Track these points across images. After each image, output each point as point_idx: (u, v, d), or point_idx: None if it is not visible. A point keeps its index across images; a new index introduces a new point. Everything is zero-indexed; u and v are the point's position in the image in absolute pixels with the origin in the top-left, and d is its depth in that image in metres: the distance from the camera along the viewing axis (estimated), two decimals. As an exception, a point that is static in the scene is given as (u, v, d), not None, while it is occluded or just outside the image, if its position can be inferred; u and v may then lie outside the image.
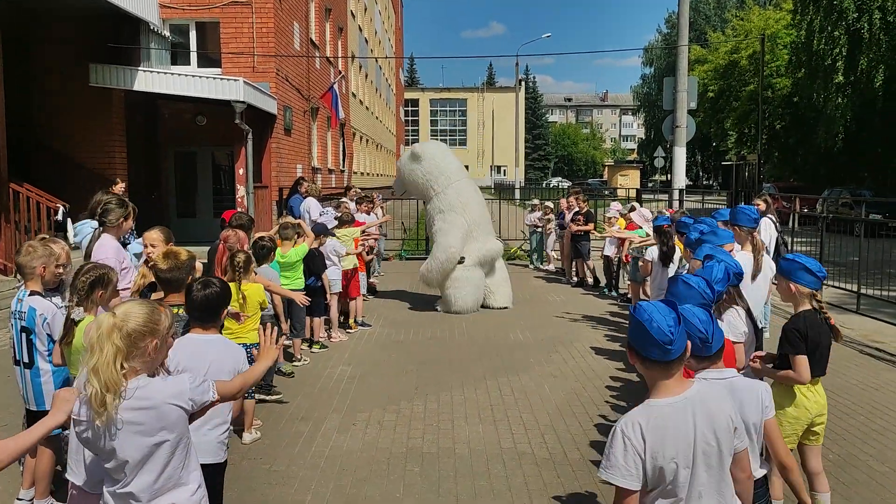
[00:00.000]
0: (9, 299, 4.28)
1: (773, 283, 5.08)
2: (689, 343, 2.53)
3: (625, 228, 11.51)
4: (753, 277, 5.67)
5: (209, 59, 17.49)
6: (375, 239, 12.05)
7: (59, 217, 11.69)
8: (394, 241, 18.60)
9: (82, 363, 2.55)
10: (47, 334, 4.31)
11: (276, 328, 3.33)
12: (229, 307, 3.53)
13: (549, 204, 16.44)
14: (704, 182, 72.39)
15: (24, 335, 4.32)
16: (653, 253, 7.77)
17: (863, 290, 10.68)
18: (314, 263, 8.46)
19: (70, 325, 3.92)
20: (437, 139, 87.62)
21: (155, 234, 5.36)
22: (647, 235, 9.88)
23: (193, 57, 17.45)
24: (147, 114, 17.14)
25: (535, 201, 17.33)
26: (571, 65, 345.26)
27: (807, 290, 4.03)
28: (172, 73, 14.79)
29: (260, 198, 16.53)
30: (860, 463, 5.39)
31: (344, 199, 12.81)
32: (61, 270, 4.57)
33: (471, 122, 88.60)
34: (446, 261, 10.77)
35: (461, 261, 10.85)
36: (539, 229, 16.08)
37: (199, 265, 4.56)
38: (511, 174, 63.59)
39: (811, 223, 16.84)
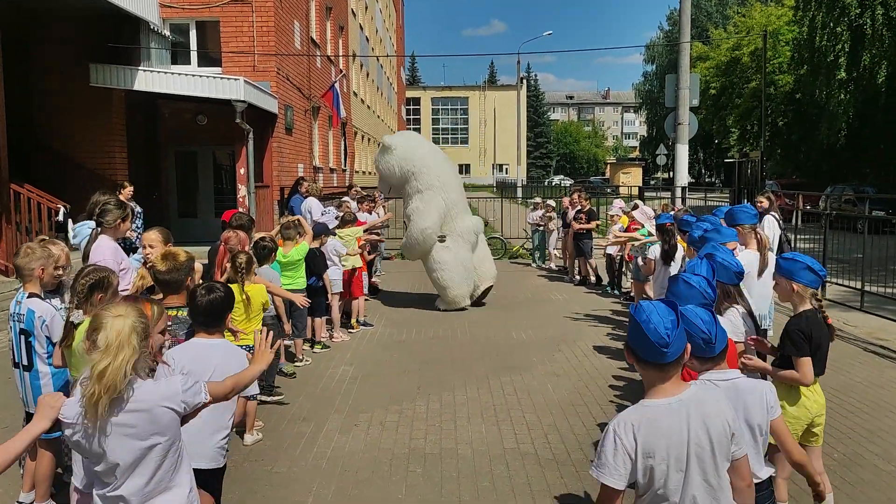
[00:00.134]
0: (9, 300, 4.26)
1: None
2: (688, 345, 2.50)
3: (627, 226, 11.47)
4: (760, 273, 5.63)
5: (209, 58, 17.46)
6: (379, 238, 12.02)
7: (60, 218, 11.67)
8: (396, 240, 18.55)
9: (88, 363, 2.51)
10: (46, 337, 4.28)
11: (271, 332, 3.30)
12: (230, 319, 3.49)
13: (551, 202, 16.40)
14: (707, 179, 72.34)
15: (22, 338, 4.29)
16: (655, 251, 7.74)
17: (866, 288, 10.62)
18: (315, 263, 8.43)
19: (70, 327, 3.89)
20: (438, 137, 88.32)
21: (153, 235, 5.32)
22: (650, 234, 9.85)
23: (194, 56, 17.43)
24: (147, 113, 17.11)
25: (538, 200, 17.30)
26: (573, 62, 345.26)
27: (809, 290, 3.98)
28: (173, 73, 14.76)
29: (261, 197, 16.51)
30: (865, 462, 5.34)
31: (345, 199, 12.78)
32: (60, 272, 4.54)
33: (472, 120, 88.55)
34: (423, 242, 10.84)
35: (442, 239, 10.86)
36: (541, 228, 16.05)
37: (198, 266, 4.53)
38: (513, 172, 63.57)
39: (814, 220, 16.79)
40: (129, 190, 12.38)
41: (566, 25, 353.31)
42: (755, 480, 2.81)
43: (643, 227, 10.58)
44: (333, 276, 9.02)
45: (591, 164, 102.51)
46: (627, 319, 9.96)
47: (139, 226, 11.34)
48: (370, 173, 38.50)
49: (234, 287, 5.21)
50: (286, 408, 6.59)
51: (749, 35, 39.31)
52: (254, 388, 3.61)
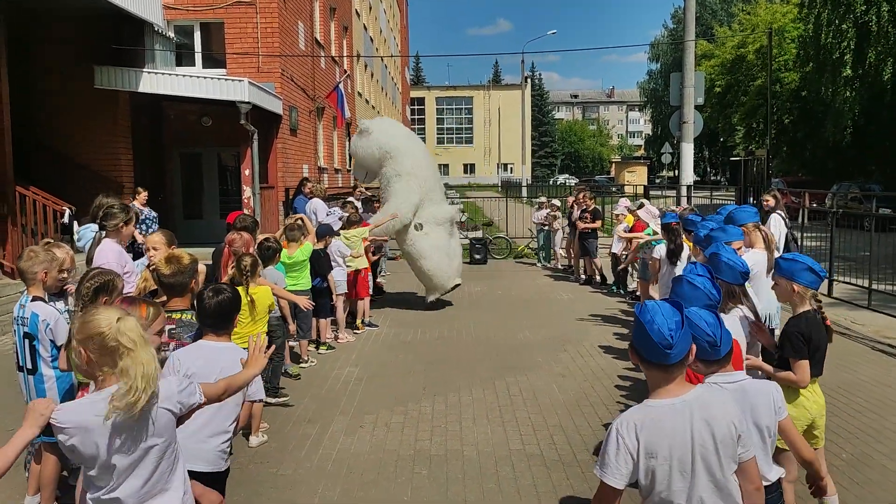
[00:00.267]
0: (15, 303, 4.25)
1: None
2: (693, 347, 2.47)
3: (633, 225, 11.44)
4: (769, 272, 5.59)
5: (214, 59, 17.47)
6: (384, 238, 12.00)
7: (66, 220, 11.68)
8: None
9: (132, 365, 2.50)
10: (50, 340, 4.28)
11: (266, 338, 3.30)
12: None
13: (556, 202, 16.36)
14: (712, 178, 72.13)
15: (26, 341, 4.29)
16: (660, 251, 7.71)
17: (874, 286, 10.57)
18: (320, 264, 8.43)
19: (75, 331, 3.88)
20: (443, 137, 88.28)
21: (157, 238, 5.32)
22: (655, 233, 9.81)
23: (198, 58, 17.44)
24: (152, 115, 17.13)
25: (542, 199, 17.26)
26: (577, 61, 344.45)
27: (809, 291, 3.95)
28: (177, 75, 14.78)
29: (266, 198, 16.50)
30: (874, 462, 5.31)
31: (350, 199, 12.76)
32: (64, 275, 4.54)
33: (477, 119, 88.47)
34: (392, 225, 10.77)
35: (419, 227, 10.84)
36: (546, 227, 16.02)
37: (201, 267, 4.52)
38: (518, 172, 63.45)
39: (820, 218, 16.73)
40: (143, 195, 12.51)
41: (570, 24, 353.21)
42: (764, 483, 2.78)
43: (648, 226, 10.54)
44: (338, 277, 9.01)
45: (596, 162, 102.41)
46: (632, 319, 9.93)
47: (155, 230, 11.40)
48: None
49: (239, 290, 5.19)
50: (291, 409, 6.58)
51: (754, 33, 39.23)
52: (259, 393, 3.59)
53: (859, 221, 14.55)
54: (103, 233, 5.34)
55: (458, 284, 11.51)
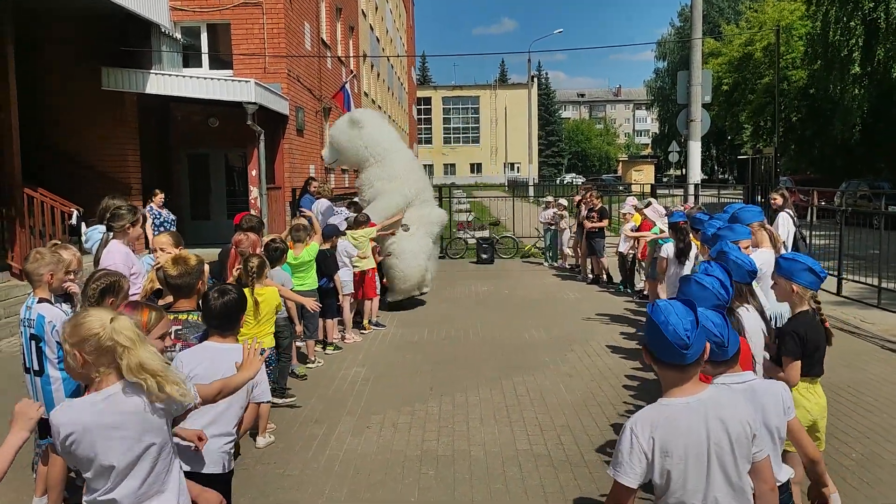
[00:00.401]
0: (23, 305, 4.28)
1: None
2: (707, 345, 2.45)
3: (640, 224, 11.40)
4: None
5: (220, 60, 17.50)
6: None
7: (74, 221, 11.71)
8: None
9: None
10: (57, 342, 4.28)
11: (260, 343, 3.30)
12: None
13: (563, 201, 16.33)
14: (720, 176, 71.93)
15: (33, 343, 4.29)
16: (668, 250, 7.67)
17: (883, 284, 10.50)
18: (326, 265, 8.43)
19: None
20: (449, 137, 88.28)
21: (164, 239, 5.33)
22: (662, 231, 9.78)
23: (205, 59, 17.47)
24: (159, 116, 17.18)
25: (549, 198, 17.23)
26: (584, 60, 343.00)
27: (808, 292, 3.92)
28: (184, 76, 14.81)
29: (273, 199, 16.52)
30: (884, 462, 5.27)
31: (356, 199, 12.75)
32: (71, 277, 4.54)
33: (483, 119, 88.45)
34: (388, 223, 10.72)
35: (405, 229, 10.81)
36: (553, 227, 15.99)
37: (205, 268, 4.52)
38: (525, 171, 63.45)
39: (829, 216, 16.63)
40: (160, 197, 12.57)
41: (577, 23, 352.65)
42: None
43: (655, 224, 10.50)
44: (344, 278, 9.01)
45: (603, 161, 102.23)
46: (640, 318, 9.90)
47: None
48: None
49: (245, 291, 5.18)
50: (298, 410, 6.58)
51: (762, 30, 39.05)
52: (265, 395, 3.59)
53: (868, 219, 14.47)
54: (111, 234, 5.34)
55: (426, 291, 11.50)
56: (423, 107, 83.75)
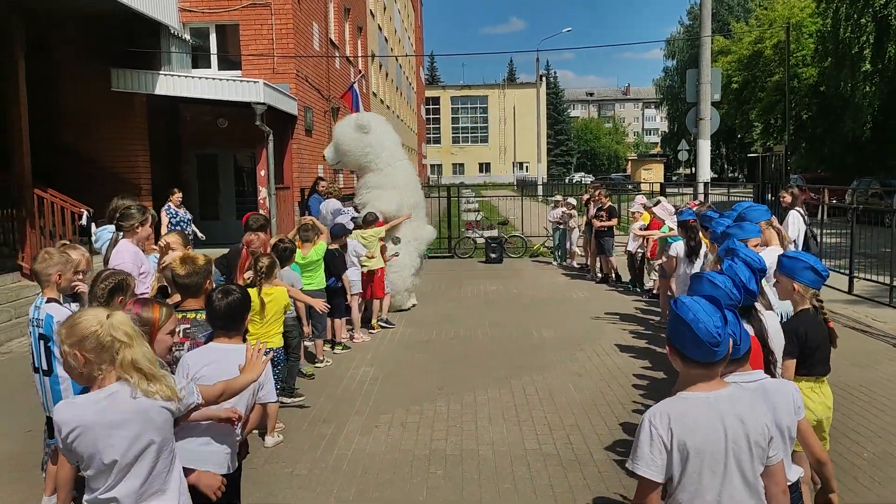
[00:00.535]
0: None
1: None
2: (730, 341, 2.42)
3: (649, 223, 11.36)
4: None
5: (229, 61, 17.54)
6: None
7: (84, 222, 11.76)
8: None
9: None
10: (63, 342, 4.29)
11: (264, 344, 3.30)
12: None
13: (572, 200, 16.29)
14: (730, 175, 71.65)
15: (42, 342, 4.30)
16: (678, 248, 7.64)
17: (895, 283, 10.42)
18: (334, 264, 8.43)
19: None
20: (458, 136, 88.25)
21: (173, 238, 5.34)
22: (671, 230, 9.74)
23: (214, 60, 17.52)
24: (168, 117, 17.24)
25: (558, 198, 17.19)
26: (592, 59, 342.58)
27: (810, 290, 3.89)
28: (194, 77, 14.86)
29: (282, 199, 16.56)
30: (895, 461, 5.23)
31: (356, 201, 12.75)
32: (80, 277, 4.55)
33: (492, 118, 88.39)
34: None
35: (396, 241, 10.77)
36: (562, 226, 15.96)
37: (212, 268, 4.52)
38: (533, 170, 63.33)
39: (840, 214, 16.53)
40: (178, 196, 12.64)
41: (585, 22, 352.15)
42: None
43: (664, 223, 10.46)
44: (352, 277, 9.01)
45: (612, 160, 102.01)
46: (649, 317, 9.85)
47: (189, 233, 11.51)
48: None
49: (252, 291, 5.19)
50: (307, 409, 6.58)
51: (772, 28, 38.83)
52: (270, 395, 3.58)
53: (880, 217, 14.36)
54: (120, 234, 5.36)
55: (415, 305, 11.39)
56: (431, 106, 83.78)
